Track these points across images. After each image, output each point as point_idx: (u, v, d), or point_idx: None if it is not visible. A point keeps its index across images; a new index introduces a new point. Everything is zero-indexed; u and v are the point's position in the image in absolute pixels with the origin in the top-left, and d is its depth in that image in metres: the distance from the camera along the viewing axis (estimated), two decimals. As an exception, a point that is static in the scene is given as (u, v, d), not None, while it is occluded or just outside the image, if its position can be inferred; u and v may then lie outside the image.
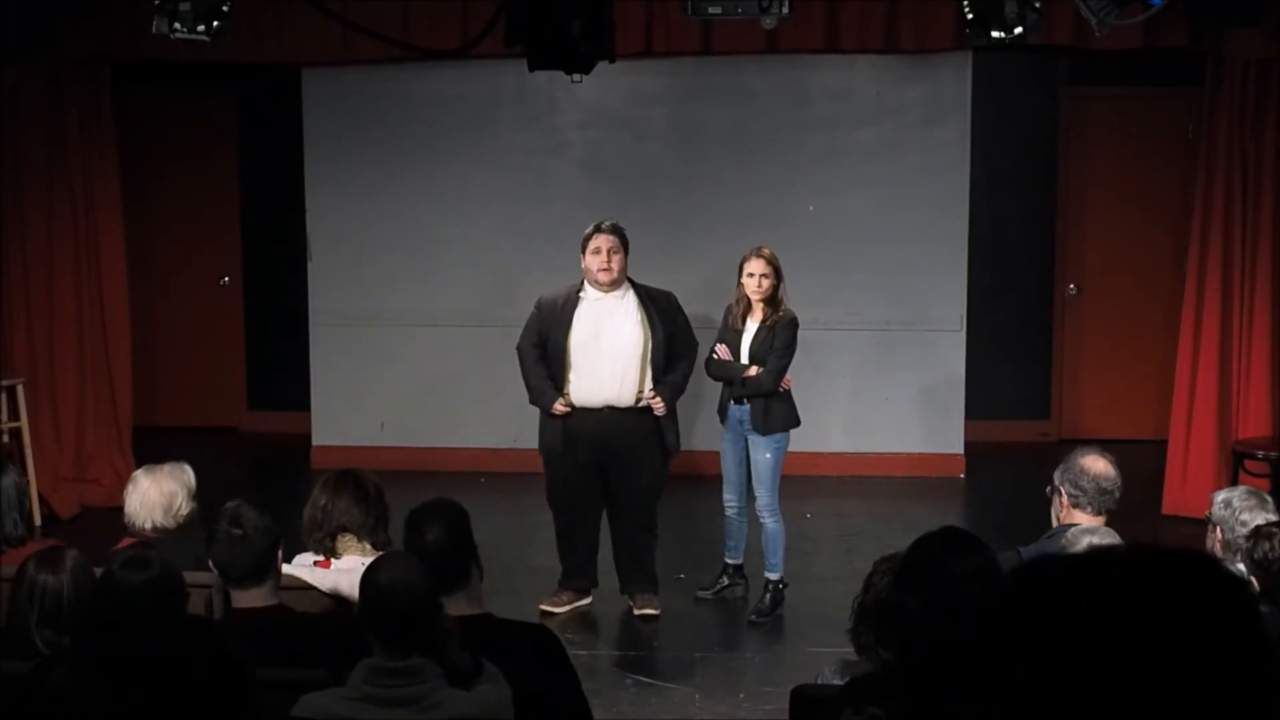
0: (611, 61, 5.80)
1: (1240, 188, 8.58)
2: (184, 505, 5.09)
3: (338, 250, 9.82)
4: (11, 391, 8.62)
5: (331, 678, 3.67)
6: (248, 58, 8.99)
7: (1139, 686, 1.31)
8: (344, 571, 4.62)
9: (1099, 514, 5.09)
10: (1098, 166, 10.48)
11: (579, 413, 6.95)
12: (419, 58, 8.70)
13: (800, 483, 8.62)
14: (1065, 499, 5.15)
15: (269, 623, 4.14)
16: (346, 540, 4.74)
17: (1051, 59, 10.02)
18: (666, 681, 6.40)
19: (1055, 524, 5.18)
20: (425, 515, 4.21)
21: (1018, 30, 7.39)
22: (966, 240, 9.56)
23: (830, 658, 4.12)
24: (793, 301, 7.17)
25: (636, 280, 7.13)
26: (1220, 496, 5.10)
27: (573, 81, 6.08)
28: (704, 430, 8.60)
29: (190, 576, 4.24)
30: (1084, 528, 4.92)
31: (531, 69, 5.64)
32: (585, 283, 7.01)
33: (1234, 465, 8.44)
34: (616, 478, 7.02)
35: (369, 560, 4.18)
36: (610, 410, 6.92)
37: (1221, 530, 4.95)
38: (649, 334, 6.95)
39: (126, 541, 4.82)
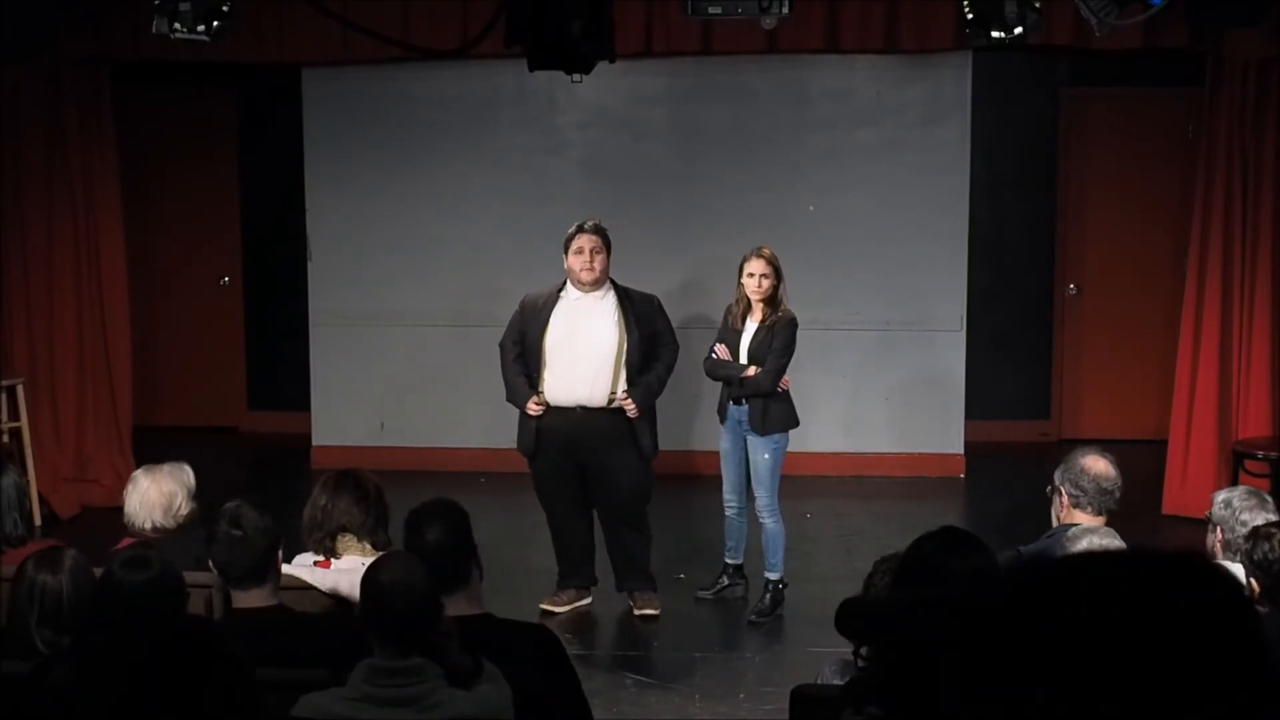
0: (611, 61, 5.80)
1: (1240, 188, 8.58)
2: (184, 505, 5.09)
3: (338, 250, 9.82)
4: (11, 391, 8.62)
5: (331, 678, 3.67)
6: (248, 58, 8.99)
7: (1138, 687, 1.31)
8: (344, 571, 4.62)
9: (1099, 514, 5.10)
10: (1098, 166, 10.48)
11: (553, 412, 6.92)
12: (419, 58, 8.71)
13: (800, 483, 8.62)
14: (1065, 499, 5.15)
15: (269, 623, 4.14)
16: (346, 540, 4.74)
17: (1051, 59, 10.02)
18: (666, 681, 6.40)
19: (1055, 524, 5.18)
20: (425, 515, 4.21)
21: (1018, 30, 7.39)
22: (966, 240, 9.57)
23: (830, 658, 4.13)
24: (793, 301, 7.17)
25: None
26: (1220, 496, 5.10)
27: (573, 81, 6.08)
28: (703, 430, 8.60)
29: (190, 576, 4.23)
30: (1084, 528, 4.93)
31: (531, 69, 5.64)
32: (567, 282, 7.01)
33: (1234, 465, 8.44)
34: (594, 479, 7.01)
35: (369, 560, 4.19)
36: (583, 411, 6.90)
37: (1221, 530, 4.95)
38: (624, 336, 6.91)
39: (126, 541, 4.82)
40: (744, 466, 7.16)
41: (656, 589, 7.22)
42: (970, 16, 7.61)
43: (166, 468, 5.17)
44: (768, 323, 7.05)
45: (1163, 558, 1.39)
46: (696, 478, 8.90)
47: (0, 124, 8.76)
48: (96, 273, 9.24)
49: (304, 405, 10.02)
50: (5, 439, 8.53)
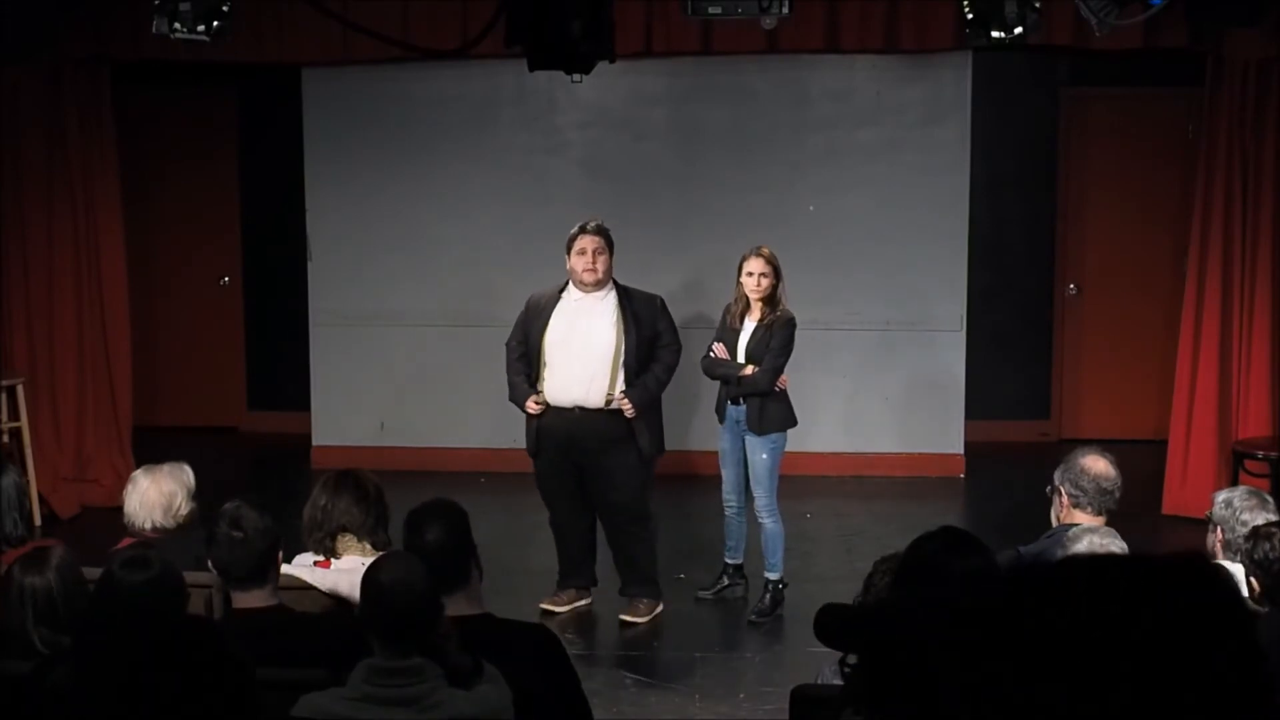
0: (611, 61, 5.80)
1: (1240, 188, 8.58)
2: (183, 505, 5.09)
3: (338, 250, 9.82)
4: (11, 391, 8.62)
5: (331, 678, 3.67)
6: (248, 58, 8.99)
7: (1136, 687, 1.32)
8: (344, 571, 4.62)
9: (1099, 514, 5.10)
10: (1098, 166, 10.48)
11: (552, 411, 6.93)
12: (419, 58, 8.71)
13: (800, 483, 8.62)
14: (1065, 499, 5.15)
15: (269, 623, 4.14)
16: (346, 540, 4.74)
17: (1051, 59, 10.02)
18: (666, 681, 6.40)
19: (1055, 524, 5.18)
20: (425, 515, 4.21)
21: (1018, 30, 7.40)
22: (966, 240, 9.57)
23: (830, 658, 4.12)
24: (792, 301, 7.17)
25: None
26: (1221, 496, 5.10)
27: (573, 81, 6.08)
28: (702, 430, 8.60)
29: (190, 576, 4.23)
30: (1084, 528, 4.92)
31: (531, 69, 5.64)
32: (570, 283, 7.01)
33: (1234, 465, 8.44)
34: (591, 480, 7.01)
35: (369, 560, 4.18)
36: (581, 411, 6.90)
37: (1222, 530, 4.95)
38: (622, 337, 6.91)
39: (126, 541, 4.82)
40: (743, 466, 7.16)
41: (659, 594, 7.20)
42: (970, 16, 7.61)
43: (166, 468, 5.17)
44: (766, 322, 7.05)
45: (1160, 560, 1.39)
46: (696, 478, 8.90)
47: (0, 124, 8.76)
48: (96, 273, 9.24)
49: (304, 405, 10.02)
50: (5, 439, 8.53)
